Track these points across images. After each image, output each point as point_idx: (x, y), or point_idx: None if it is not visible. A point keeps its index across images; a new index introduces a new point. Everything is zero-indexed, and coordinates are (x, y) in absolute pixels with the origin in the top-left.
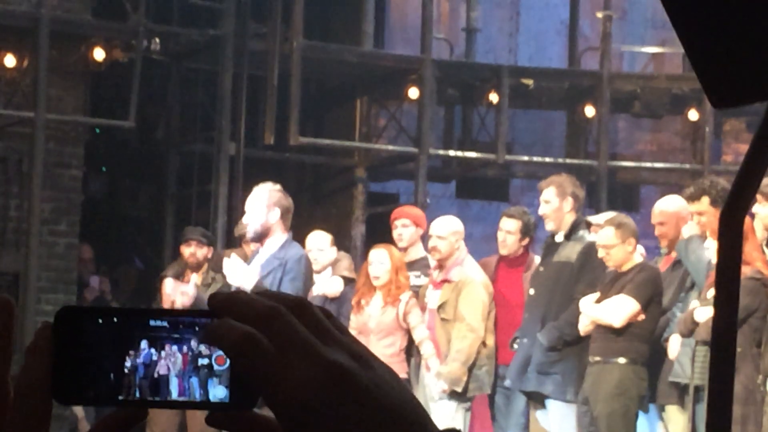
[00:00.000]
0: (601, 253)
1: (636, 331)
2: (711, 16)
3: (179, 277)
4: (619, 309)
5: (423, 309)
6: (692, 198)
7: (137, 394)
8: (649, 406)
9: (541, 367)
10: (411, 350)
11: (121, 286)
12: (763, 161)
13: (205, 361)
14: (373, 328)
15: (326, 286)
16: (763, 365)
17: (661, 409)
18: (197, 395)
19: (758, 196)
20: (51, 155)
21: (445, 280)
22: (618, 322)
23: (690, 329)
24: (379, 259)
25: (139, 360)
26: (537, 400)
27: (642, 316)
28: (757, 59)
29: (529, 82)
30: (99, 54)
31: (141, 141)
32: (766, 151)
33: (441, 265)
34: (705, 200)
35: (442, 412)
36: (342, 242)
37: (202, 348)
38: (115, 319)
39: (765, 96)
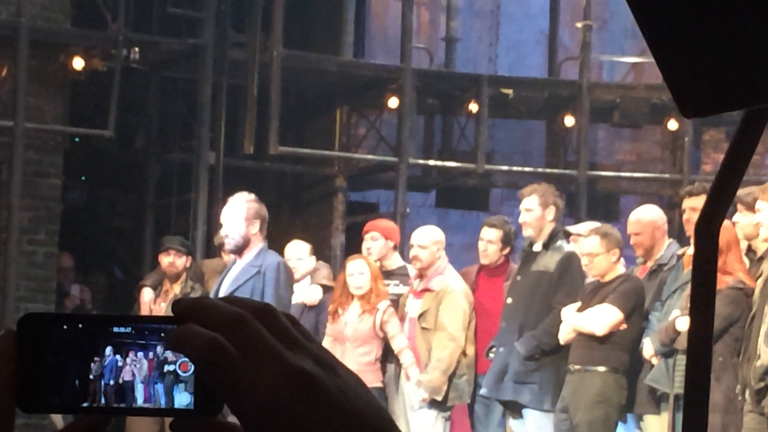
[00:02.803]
0: (584, 261)
1: (617, 340)
2: (681, 25)
3: (157, 286)
4: (602, 318)
5: (402, 318)
6: (692, 193)
7: (102, 401)
8: (627, 415)
9: (518, 377)
10: (387, 359)
11: (109, 294)
12: (739, 170)
13: (171, 368)
14: (350, 336)
15: (305, 294)
16: (741, 374)
17: (639, 418)
18: (162, 402)
19: (738, 206)
20: (30, 164)
21: (425, 290)
22: (601, 331)
23: (671, 338)
24: (359, 270)
25: (104, 366)
26: (514, 409)
27: (624, 326)
28: (727, 68)
29: (509, 91)
30: (78, 63)
31: (120, 150)
32: (741, 161)
33: (422, 275)
34: (704, 198)
35: (422, 421)
36: (322, 251)
37: (168, 354)
38: (80, 326)
39: (735, 105)
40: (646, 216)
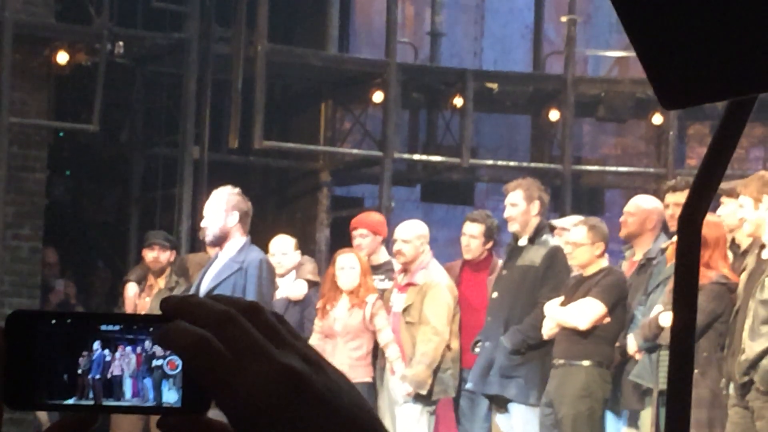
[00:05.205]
0: (567, 250)
1: (601, 333)
2: (661, 15)
3: (142, 281)
4: (585, 312)
5: (388, 312)
6: (675, 189)
7: (91, 395)
8: (620, 410)
9: (504, 371)
10: (376, 353)
11: (94, 289)
12: (722, 164)
13: (160, 362)
14: (340, 330)
15: (290, 289)
16: (726, 369)
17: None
18: (151, 396)
19: (722, 197)
20: (15, 159)
21: (410, 284)
22: (584, 325)
23: (654, 334)
24: (350, 264)
25: (93, 361)
26: (499, 403)
27: (608, 319)
28: (707, 59)
29: (494, 86)
30: (63, 57)
31: (105, 145)
32: (724, 154)
33: (406, 269)
34: (687, 193)
35: (407, 415)
36: (307, 246)
37: (157, 349)
38: (68, 321)
39: (715, 97)
40: (647, 204)
